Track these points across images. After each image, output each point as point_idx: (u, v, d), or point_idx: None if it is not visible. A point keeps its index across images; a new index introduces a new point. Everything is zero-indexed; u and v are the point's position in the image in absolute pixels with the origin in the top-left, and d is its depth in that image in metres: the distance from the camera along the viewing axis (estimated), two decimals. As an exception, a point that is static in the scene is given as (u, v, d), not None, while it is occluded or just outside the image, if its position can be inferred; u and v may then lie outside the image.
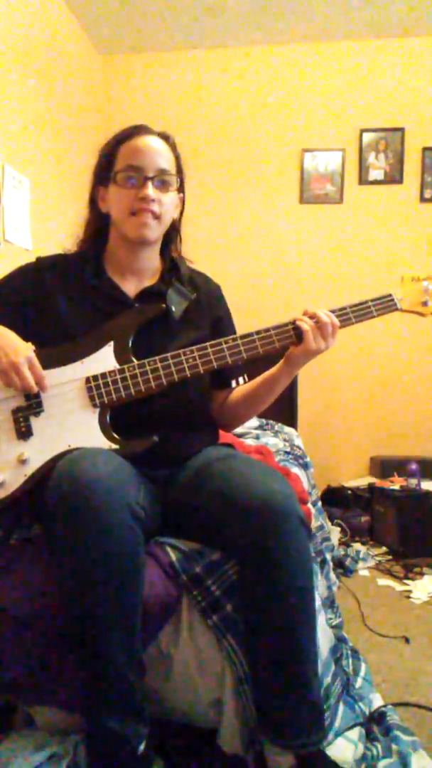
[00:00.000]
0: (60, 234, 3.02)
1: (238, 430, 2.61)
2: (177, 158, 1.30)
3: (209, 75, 3.63)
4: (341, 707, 1.28)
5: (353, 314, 1.27)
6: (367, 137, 3.52)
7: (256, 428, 2.77)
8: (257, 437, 2.56)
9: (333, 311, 1.25)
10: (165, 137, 1.29)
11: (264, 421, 2.91)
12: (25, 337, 1.29)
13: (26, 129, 2.74)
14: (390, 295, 1.29)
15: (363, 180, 3.54)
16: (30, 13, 2.76)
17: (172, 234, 1.37)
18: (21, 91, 2.69)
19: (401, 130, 3.49)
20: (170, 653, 1.13)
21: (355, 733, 1.21)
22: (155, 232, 1.27)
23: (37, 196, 2.83)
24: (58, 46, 3.07)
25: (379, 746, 1.21)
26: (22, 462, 1.18)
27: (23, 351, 1.17)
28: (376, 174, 3.53)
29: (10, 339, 1.18)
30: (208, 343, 1.21)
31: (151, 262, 1.35)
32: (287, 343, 1.24)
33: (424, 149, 3.47)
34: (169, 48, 3.61)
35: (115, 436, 1.18)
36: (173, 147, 1.30)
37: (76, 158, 3.26)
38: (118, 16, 3.27)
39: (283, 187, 3.60)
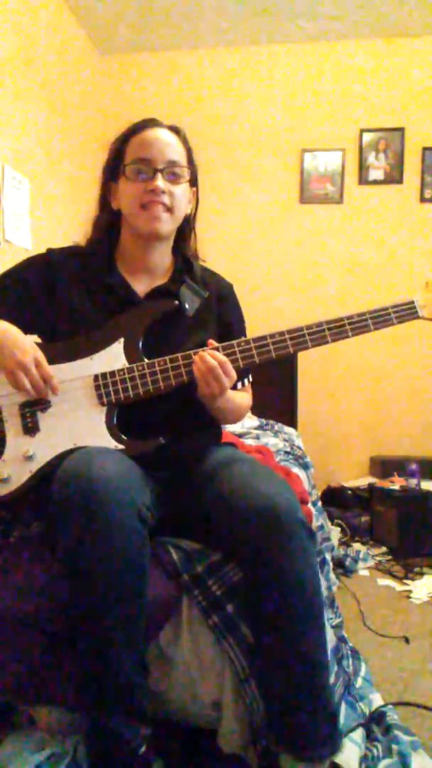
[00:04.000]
0: (60, 234, 3.03)
1: (238, 430, 2.61)
2: (188, 151, 1.27)
3: (209, 75, 3.63)
4: (343, 707, 1.28)
5: (372, 321, 1.20)
6: (367, 137, 3.52)
7: (256, 428, 2.77)
8: (257, 437, 2.56)
9: (351, 317, 1.20)
10: (175, 130, 1.26)
11: (264, 421, 2.91)
12: (33, 328, 1.27)
13: (26, 129, 2.74)
14: (412, 302, 1.22)
15: (363, 180, 3.54)
16: (30, 13, 2.75)
17: (186, 230, 1.33)
18: (21, 91, 2.69)
19: (401, 130, 3.49)
20: (170, 653, 1.13)
21: (359, 734, 1.21)
22: (167, 225, 1.23)
23: (37, 196, 2.83)
24: (58, 46, 3.07)
25: (379, 746, 1.21)
26: (28, 458, 1.18)
27: (30, 350, 1.16)
28: (376, 174, 3.53)
29: (15, 338, 1.16)
30: (220, 345, 1.18)
31: (163, 259, 1.31)
32: (301, 348, 1.19)
33: (424, 149, 3.47)
34: (169, 48, 3.61)
35: (122, 436, 1.17)
36: (184, 139, 1.26)
37: (76, 158, 3.26)
38: (118, 16, 3.27)
39: (283, 187, 3.60)
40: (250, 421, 2.83)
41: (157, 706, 1.12)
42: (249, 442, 2.38)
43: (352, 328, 1.20)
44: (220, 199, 3.61)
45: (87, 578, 0.97)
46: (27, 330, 1.28)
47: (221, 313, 1.34)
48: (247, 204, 3.63)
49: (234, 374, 1.16)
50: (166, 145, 1.22)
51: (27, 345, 1.16)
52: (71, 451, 1.11)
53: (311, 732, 1.03)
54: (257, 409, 2.98)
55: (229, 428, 2.46)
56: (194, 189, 1.31)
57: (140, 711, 1.03)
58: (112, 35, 3.48)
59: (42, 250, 1.34)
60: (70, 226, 3.11)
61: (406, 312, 1.22)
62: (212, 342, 1.19)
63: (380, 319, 1.21)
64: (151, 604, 1.07)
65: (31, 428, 1.19)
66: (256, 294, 3.56)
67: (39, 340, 1.29)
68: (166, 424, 1.22)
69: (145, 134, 1.22)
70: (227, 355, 1.17)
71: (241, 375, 1.32)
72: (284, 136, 3.59)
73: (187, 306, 1.26)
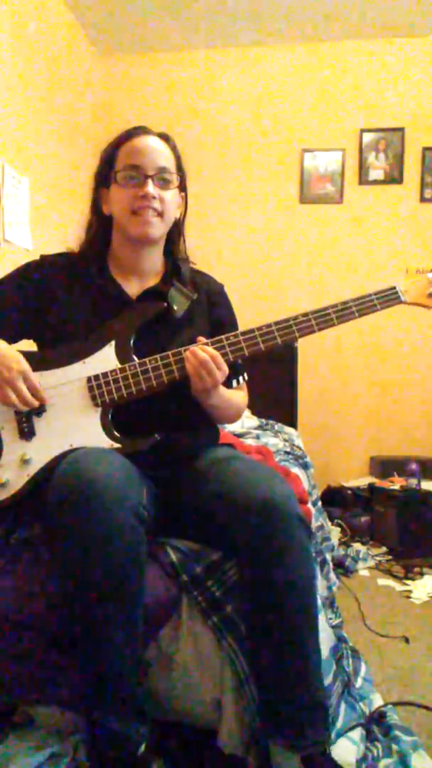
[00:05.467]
0: (60, 234, 3.03)
1: (238, 430, 2.61)
2: (177, 157, 1.31)
3: (209, 75, 3.63)
4: (343, 707, 1.28)
5: (356, 308, 1.23)
6: (367, 137, 3.52)
7: (256, 428, 2.77)
8: (257, 437, 2.56)
9: (335, 306, 1.23)
10: (164, 137, 1.30)
11: (264, 421, 2.91)
12: (28, 334, 1.30)
13: (26, 129, 2.74)
14: (393, 288, 1.25)
15: (363, 180, 3.54)
16: (30, 13, 2.75)
17: (175, 234, 1.37)
18: (21, 91, 2.69)
19: (401, 130, 3.49)
20: (170, 653, 1.13)
21: (357, 733, 1.21)
22: (158, 229, 1.27)
23: (37, 195, 2.83)
24: (58, 46, 3.07)
25: (379, 746, 1.21)
26: (25, 462, 1.19)
27: (16, 365, 1.17)
28: (376, 174, 3.53)
29: (2, 352, 1.18)
30: (209, 340, 1.21)
31: (154, 262, 1.34)
32: (289, 339, 1.22)
33: (424, 149, 3.47)
34: (169, 48, 3.61)
35: (117, 435, 1.18)
36: (173, 147, 1.30)
37: (76, 158, 3.26)
38: (118, 16, 3.27)
39: (283, 187, 3.60)
40: (250, 421, 2.84)
41: (157, 706, 1.13)
42: (249, 442, 2.38)
43: (338, 315, 1.23)
44: (220, 199, 3.61)
45: (85, 578, 0.97)
46: (22, 335, 1.30)
47: (212, 313, 1.36)
48: (247, 204, 3.63)
49: (226, 368, 1.19)
50: (156, 152, 1.25)
51: (13, 359, 1.17)
52: (68, 453, 1.12)
53: (300, 722, 1.04)
54: (257, 409, 2.99)
55: (229, 428, 2.46)
56: (183, 194, 1.35)
57: (140, 711, 1.04)
58: (112, 35, 3.48)
59: (42, 249, 1.35)
60: (70, 226, 3.11)
61: (389, 297, 1.26)
62: (201, 338, 1.21)
63: (364, 305, 1.24)
64: (151, 604, 1.07)
65: (27, 433, 1.20)
66: (255, 294, 3.56)
67: (34, 346, 1.31)
68: (161, 423, 1.23)
69: (135, 142, 1.25)
70: (217, 349, 1.19)
71: (236, 372, 1.34)
72: (284, 136, 3.59)
73: (175, 307, 1.28)
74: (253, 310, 3.41)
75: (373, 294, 1.25)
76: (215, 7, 3.20)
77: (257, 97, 3.60)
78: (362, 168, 3.53)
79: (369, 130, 3.51)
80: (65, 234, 3.06)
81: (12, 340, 1.27)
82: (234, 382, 1.36)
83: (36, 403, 1.18)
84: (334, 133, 3.55)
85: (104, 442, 1.17)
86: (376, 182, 3.53)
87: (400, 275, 1.31)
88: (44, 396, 1.20)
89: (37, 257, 1.35)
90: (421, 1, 3.13)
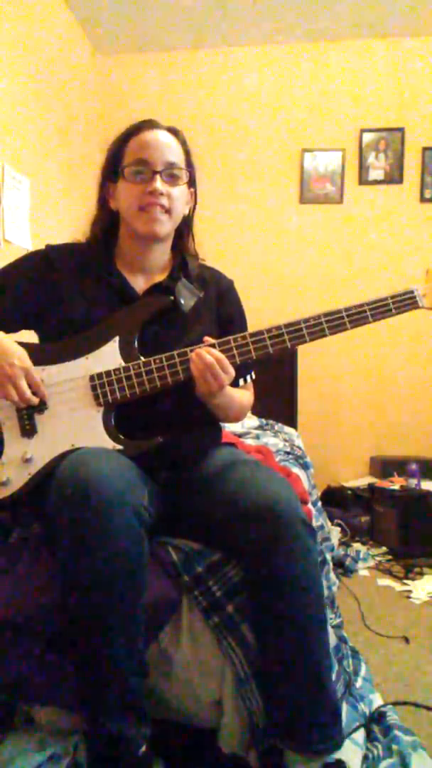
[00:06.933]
0: (60, 234, 3.02)
1: (238, 430, 2.61)
2: (186, 152, 1.27)
3: (209, 75, 3.63)
4: (344, 707, 1.28)
5: (371, 312, 1.17)
6: (367, 137, 3.52)
7: (256, 428, 2.76)
8: (257, 437, 2.55)
9: (349, 308, 1.17)
10: (174, 131, 1.26)
11: (264, 421, 2.91)
12: (31, 324, 1.28)
13: (26, 129, 2.74)
14: (411, 291, 1.18)
15: (363, 180, 3.54)
16: (29, 13, 2.75)
17: (184, 230, 1.34)
18: (20, 91, 2.69)
19: (401, 130, 3.49)
20: (170, 653, 1.13)
21: (360, 734, 1.21)
22: (166, 226, 1.24)
23: (37, 196, 2.83)
24: (57, 46, 3.07)
25: (379, 746, 1.20)
26: (26, 460, 1.18)
27: (18, 360, 1.15)
28: (376, 174, 3.53)
29: (3, 348, 1.16)
30: (216, 342, 1.17)
31: (162, 258, 1.31)
32: (299, 342, 1.18)
33: (424, 149, 3.47)
34: (169, 48, 3.60)
35: (120, 436, 1.17)
36: (182, 141, 1.27)
37: (76, 158, 3.26)
38: (118, 16, 3.27)
39: (283, 187, 3.60)
40: (250, 421, 2.83)
41: (157, 706, 1.13)
42: (249, 442, 2.38)
43: (351, 320, 1.17)
44: (220, 198, 3.60)
45: (85, 579, 0.97)
46: (23, 326, 1.28)
47: (221, 309, 1.34)
48: (247, 204, 3.63)
49: (232, 371, 1.15)
50: (165, 146, 1.22)
51: (15, 355, 1.16)
52: (69, 453, 1.11)
53: (316, 729, 1.04)
54: (257, 409, 2.99)
55: (229, 428, 2.46)
56: (192, 190, 1.31)
57: (140, 711, 1.03)
58: (112, 35, 3.47)
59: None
60: (70, 226, 3.11)
61: (406, 302, 1.18)
62: (208, 339, 1.18)
63: (379, 309, 1.18)
64: (152, 605, 1.07)
65: (28, 430, 1.19)
66: (255, 294, 3.55)
67: (36, 338, 1.29)
68: (165, 423, 1.22)
69: (143, 136, 1.22)
70: (223, 351, 1.16)
71: (242, 372, 1.31)
72: (284, 136, 3.59)
73: (182, 302, 1.25)
74: (252, 310, 3.40)
75: (389, 297, 1.18)
76: (215, 7, 3.20)
77: (257, 97, 3.60)
78: (362, 168, 3.53)
79: (369, 130, 3.51)
80: (65, 234, 3.06)
81: (12, 330, 1.25)
82: (241, 381, 1.33)
83: (36, 401, 1.17)
84: (334, 133, 3.55)
85: (107, 443, 1.16)
86: (376, 182, 3.53)
87: (399, 277, 1.29)
88: (45, 393, 1.18)
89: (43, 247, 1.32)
90: (421, 1, 3.13)
